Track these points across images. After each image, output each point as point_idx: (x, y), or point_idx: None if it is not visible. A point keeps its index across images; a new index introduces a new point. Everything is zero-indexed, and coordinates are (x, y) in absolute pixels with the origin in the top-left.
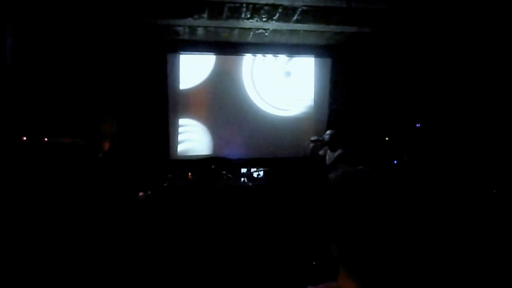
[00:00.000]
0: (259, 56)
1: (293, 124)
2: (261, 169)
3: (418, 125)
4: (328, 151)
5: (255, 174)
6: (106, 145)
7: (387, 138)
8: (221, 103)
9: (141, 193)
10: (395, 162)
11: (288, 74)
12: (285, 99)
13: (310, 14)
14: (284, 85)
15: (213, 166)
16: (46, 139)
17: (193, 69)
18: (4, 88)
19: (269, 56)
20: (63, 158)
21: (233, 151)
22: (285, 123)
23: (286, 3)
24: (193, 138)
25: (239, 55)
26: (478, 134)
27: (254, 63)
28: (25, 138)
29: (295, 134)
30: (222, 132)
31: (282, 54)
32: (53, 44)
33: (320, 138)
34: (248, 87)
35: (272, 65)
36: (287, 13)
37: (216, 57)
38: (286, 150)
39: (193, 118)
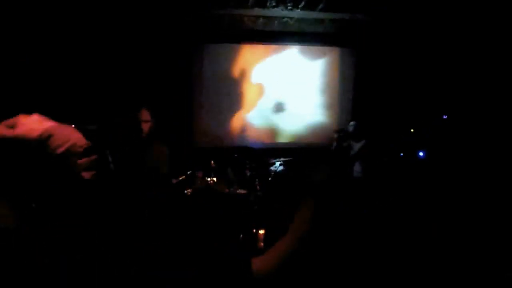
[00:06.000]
0: (281, 46)
1: (317, 114)
2: (283, 159)
3: (445, 116)
4: (352, 142)
5: (277, 163)
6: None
7: (412, 130)
8: (244, 91)
9: None
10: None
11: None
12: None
13: (335, 3)
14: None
15: (235, 155)
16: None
17: (218, 58)
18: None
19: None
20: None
21: (256, 140)
22: (309, 113)
23: None
24: (216, 126)
25: (263, 44)
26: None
27: (276, 53)
28: None
29: (319, 124)
30: (245, 121)
31: (306, 43)
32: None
33: (345, 129)
34: (270, 76)
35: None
36: (312, 2)
37: (241, 46)
38: (310, 140)
39: (217, 106)
